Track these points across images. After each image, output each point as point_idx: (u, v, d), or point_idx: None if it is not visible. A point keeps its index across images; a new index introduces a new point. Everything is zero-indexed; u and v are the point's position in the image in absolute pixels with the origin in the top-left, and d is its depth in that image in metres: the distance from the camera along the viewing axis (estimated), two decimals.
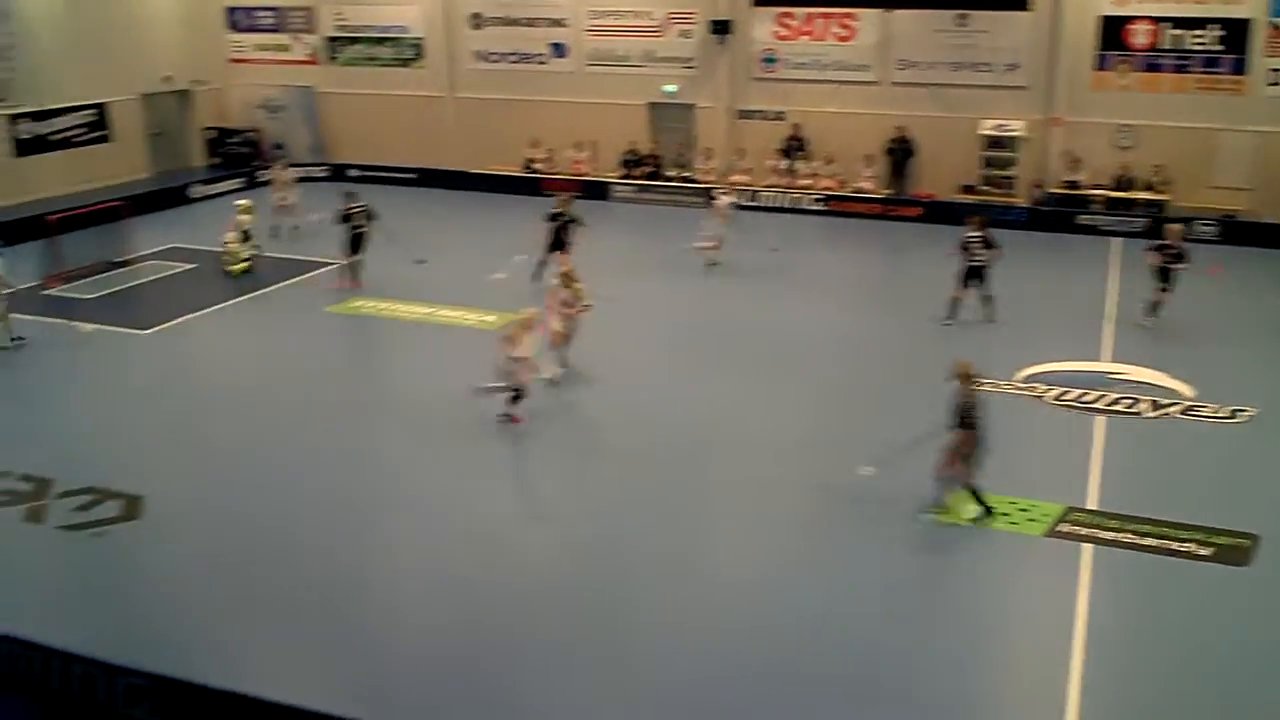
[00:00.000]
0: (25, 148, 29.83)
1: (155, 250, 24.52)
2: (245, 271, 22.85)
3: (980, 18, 27.96)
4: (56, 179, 30.48)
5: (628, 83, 31.65)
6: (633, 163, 31.19)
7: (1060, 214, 27.16)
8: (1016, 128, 28.04)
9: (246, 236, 23.09)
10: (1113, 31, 26.98)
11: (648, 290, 21.77)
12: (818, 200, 29.00)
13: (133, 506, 12.96)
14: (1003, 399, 16.11)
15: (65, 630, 10.16)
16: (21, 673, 9.41)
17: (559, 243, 20.99)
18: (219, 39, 36.01)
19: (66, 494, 13.21)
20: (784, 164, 29.75)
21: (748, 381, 17.14)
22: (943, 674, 9.93)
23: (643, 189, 30.55)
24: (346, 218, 21.31)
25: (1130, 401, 16.02)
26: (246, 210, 23.14)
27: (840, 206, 28.82)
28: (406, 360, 18.39)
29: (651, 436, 15.09)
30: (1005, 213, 27.19)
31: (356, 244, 21.45)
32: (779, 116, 30.43)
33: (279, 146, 35.45)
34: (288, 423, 15.82)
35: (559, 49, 32.26)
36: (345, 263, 21.67)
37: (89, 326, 17.29)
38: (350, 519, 12.86)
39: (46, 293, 21.79)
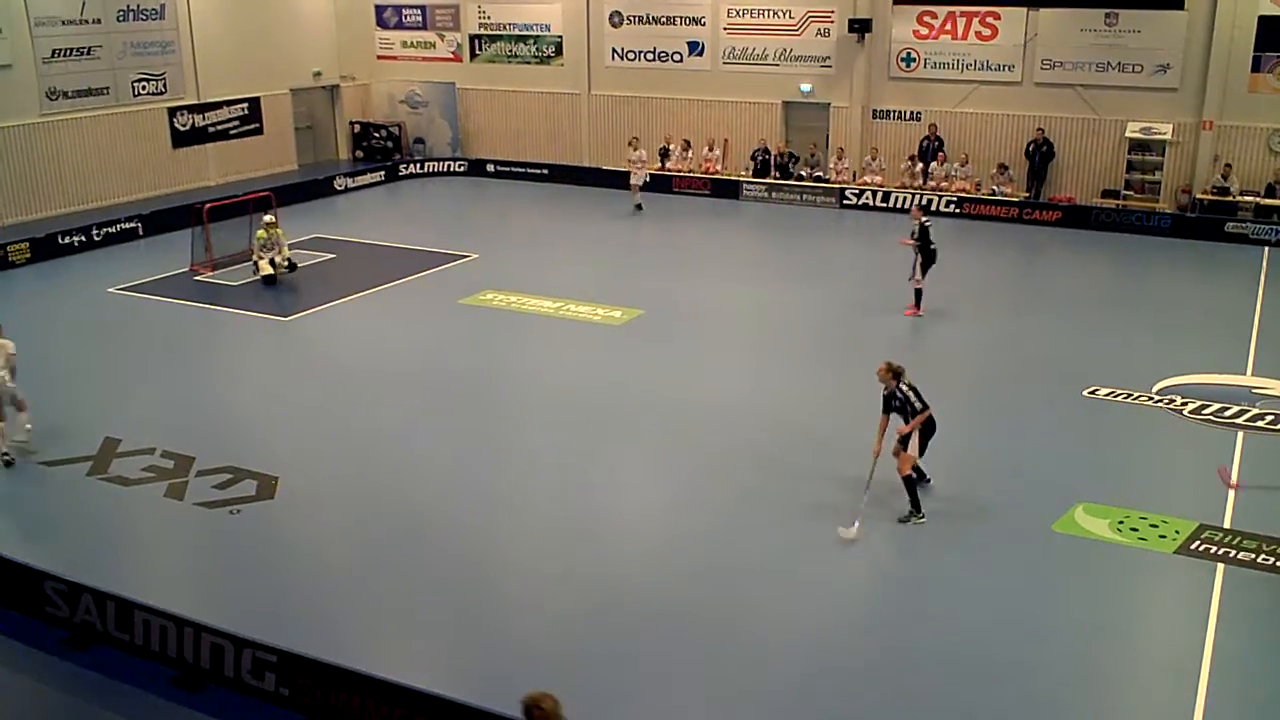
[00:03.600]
0: (182, 139, 31.24)
1: (299, 240, 25.28)
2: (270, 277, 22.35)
3: (1131, 17, 27.14)
4: (210, 169, 31.90)
5: (763, 81, 31.62)
6: (764, 161, 31.09)
7: (1207, 221, 26.12)
8: (1164, 131, 27.13)
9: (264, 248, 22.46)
10: (1272, 32, 25.89)
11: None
12: (951, 203, 28.44)
13: (268, 486, 13.44)
14: (1137, 411, 15.66)
15: (198, 602, 10.62)
16: (155, 640, 9.90)
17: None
18: (367, 36, 37.13)
19: (205, 472, 13.77)
20: (919, 165, 29.28)
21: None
22: (1063, 693, 9.66)
23: (773, 188, 30.41)
24: (924, 234, 19.72)
25: (1273, 418, 15.35)
26: (268, 226, 22.44)
27: (975, 210, 28.21)
28: (535, 351, 18.67)
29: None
30: (1149, 219, 26.44)
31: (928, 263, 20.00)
32: (915, 117, 30.01)
33: (420, 141, 36.44)
34: (420, 408, 16.18)
35: (696, 47, 32.38)
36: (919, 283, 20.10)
37: None
38: (481, 505, 13.10)
39: (197, 279, 22.86)
